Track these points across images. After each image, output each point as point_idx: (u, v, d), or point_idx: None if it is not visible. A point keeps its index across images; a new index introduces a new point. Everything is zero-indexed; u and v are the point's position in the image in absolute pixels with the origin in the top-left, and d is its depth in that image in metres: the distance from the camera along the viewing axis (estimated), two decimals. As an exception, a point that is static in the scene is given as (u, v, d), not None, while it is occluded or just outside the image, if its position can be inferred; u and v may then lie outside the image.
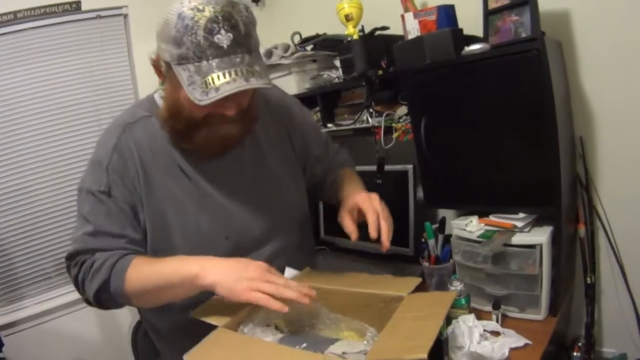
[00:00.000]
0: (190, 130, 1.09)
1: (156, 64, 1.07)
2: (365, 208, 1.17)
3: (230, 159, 1.22)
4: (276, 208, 1.29)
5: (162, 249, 1.15)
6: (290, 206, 1.34)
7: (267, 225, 1.26)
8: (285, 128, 1.35)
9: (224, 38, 0.94)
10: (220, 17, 0.94)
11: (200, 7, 0.94)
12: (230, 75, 0.95)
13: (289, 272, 1.26)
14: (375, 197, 1.21)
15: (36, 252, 2.48)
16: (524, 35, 1.46)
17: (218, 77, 0.94)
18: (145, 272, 1.07)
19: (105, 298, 1.09)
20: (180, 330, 1.18)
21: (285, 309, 0.96)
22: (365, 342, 1.04)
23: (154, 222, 1.16)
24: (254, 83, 0.97)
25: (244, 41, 0.98)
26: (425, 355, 0.78)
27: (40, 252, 2.49)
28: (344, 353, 1.01)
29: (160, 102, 1.18)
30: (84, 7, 2.57)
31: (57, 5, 2.53)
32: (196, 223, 1.18)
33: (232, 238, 1.21)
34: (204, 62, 0.95)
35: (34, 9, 2.49)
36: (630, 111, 1.62)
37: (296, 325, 1.16)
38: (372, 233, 1.14)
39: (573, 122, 1.72)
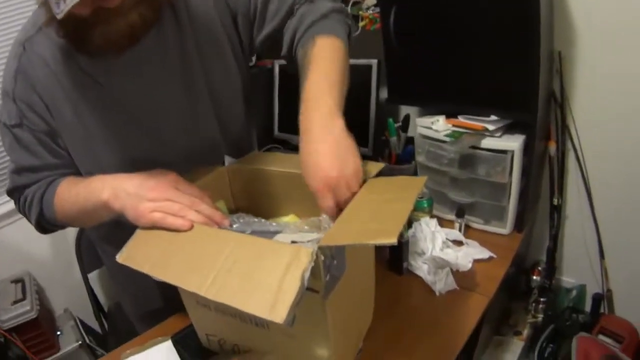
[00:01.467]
0: (84, 32, 0.90)
1: None
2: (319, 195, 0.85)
3: (147, 47, 1.01)
4: (208, 97, 1.12)
5: (90, 169, 1.05)
6: (224, 91, 1.15)
7: (201, 113, 1.11)
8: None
9: None
10: None
11: None
12: None
13: (228, 160, 1.13)
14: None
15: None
16: None
17: None
18: (67, 201, 1.01)
19: (46, 226, 1.10)
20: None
21: (187, 225, 0.81)
22: (318, 231, 0.94)
23: (74, 144, 1.04)
24: None
25: None
26: (394, 240, 0.64)
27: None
28: (293, 242, 0.91)
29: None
30: None
31: None
32: (122, 133, 1.04)
33: (168, 140, 1.08)
34: None
35: None
36: (613, 30, 1.53)
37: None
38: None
39: (554, 35, 1.62)
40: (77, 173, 1.06)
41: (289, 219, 1.05)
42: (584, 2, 1.56)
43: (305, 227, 0.96)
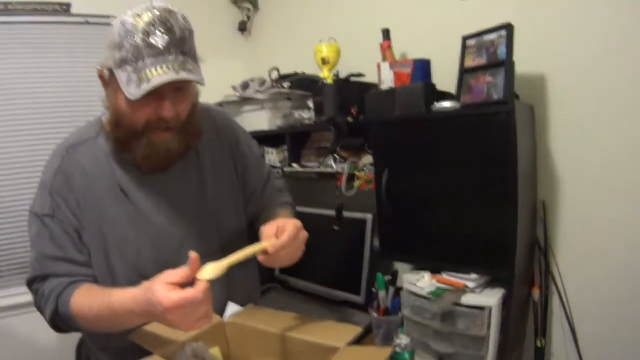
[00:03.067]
0: (131, 139, 1.12)
1: (101, 74, 1.11)
2: (290, 231, 1.08)
3: (174, 178, 1.23)
4: (216, 234, 1.29)
5: (101, 272, 1.16)
6: (230, 232, 1.32)
7: (206, 251, 1.22)
8: (231, 151, 1.36)
9: (159, 39, 1.01)
10: (157, 21, 1.02)
11: (140, 14, 1.02)
12: (162, 69, 1.00)
13: (232, 307, 1.26)
14: (305, 235, 1.14)
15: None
16: (495, 97, 1.48)
17: (151, 71, 0.99)
18: (87, 307, 1.06)
19: (60, 324, 1.12)
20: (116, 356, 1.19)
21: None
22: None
23: (94, 245, 1.16)
24: (184, 76, 1.01)
25: (178, 43, 1.03)
26: None
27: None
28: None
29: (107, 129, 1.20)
30: (74, 10, 2.58)
31: (48, 4, 2.54)
32: (136, 248, 1.18)
33: (170, 262, 1.19)
34: (141, 62, 1.00)
35: (25, 3, 2.49)
36: (594, 179, 1.65)
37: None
38: (270, 248, 1.06)
39: (537, 185, 1.74)
40: (95, 276, 1.16)
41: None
42: (567, 155, 1.70)
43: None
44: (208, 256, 1.23)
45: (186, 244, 1.20)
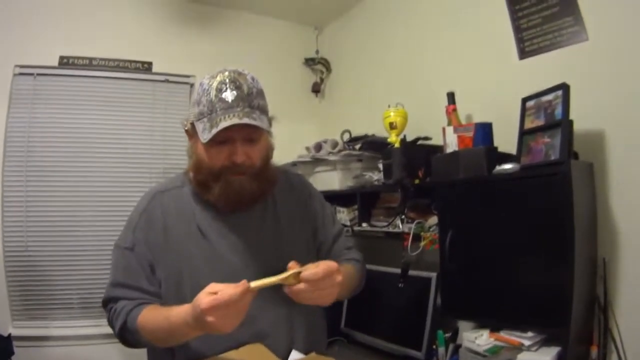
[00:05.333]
0: (210, 181, 1.28)
1: (186, 129, 1.31)
2: (323, 268, 1.13)
3: (250, 220, 1.36)
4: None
5: (171, 302, 1.25)
6: None
7: (275, 291, 1.25)
8: (305, 205, 1.49)
9: (229, 94, 1.20)
10: (227, 80, 1.23)
11: (214, 76, 1.25)
12: (229, 117, 1.18)
13: (295, 354, 1.33)
14: (339, 279, 1.16)
15: (67, 282, 2.65)
16: (552, 157, 1.54)
17: (220, 119, 1.18)
18: (152, 321, 1.19)
19: (127, 337, 1.25)
20: None
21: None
22: None
23: (169, 280, 1.30)
24: (247, 121, 1.18)
25: (246, 98, 1.22)
26: None
27: (70, 283, 2.65)
28: None
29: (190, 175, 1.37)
30: (154, 69, 2.84)
31: (130, 62, 2.82)
32: (208, 283, 1.21)
33: None
34: (214, 114, 1.19)
35: (108, 60, 2.78)
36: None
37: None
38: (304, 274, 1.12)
39: (597, 243, 1.74)
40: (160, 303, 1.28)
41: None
42: (628, 212, 1.70)
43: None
44: (276, 295, 1.30)
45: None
